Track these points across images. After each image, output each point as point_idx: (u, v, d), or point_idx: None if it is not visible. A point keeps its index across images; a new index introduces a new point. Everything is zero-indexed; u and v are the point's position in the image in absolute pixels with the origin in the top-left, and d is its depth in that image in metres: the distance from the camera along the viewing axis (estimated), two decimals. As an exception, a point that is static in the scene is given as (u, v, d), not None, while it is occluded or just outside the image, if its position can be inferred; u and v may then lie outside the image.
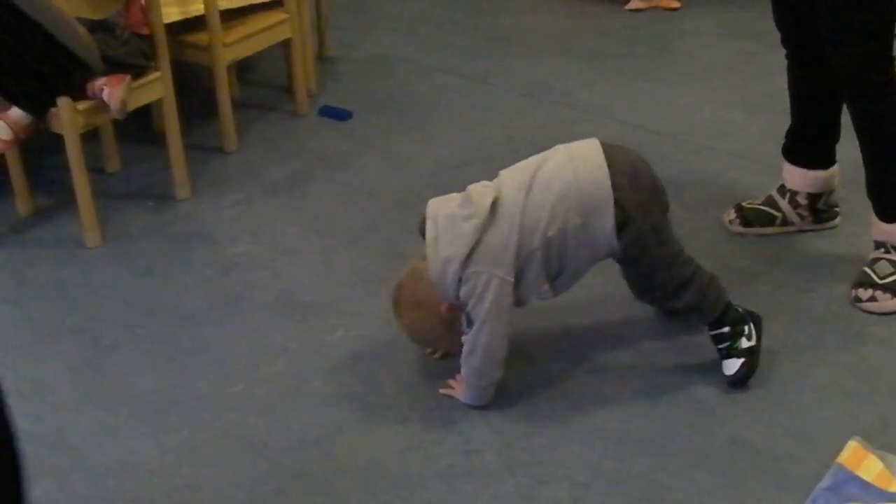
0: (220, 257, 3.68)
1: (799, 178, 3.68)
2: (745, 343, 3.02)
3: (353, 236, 3.78)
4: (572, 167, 2.90)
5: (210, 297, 3.47)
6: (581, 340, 3.25)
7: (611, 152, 2.93)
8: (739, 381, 3.02)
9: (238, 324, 3.35)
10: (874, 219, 3.45)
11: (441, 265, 2.86)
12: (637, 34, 5.53)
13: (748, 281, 3.43)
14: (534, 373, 3.11)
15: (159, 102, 3.92)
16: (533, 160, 2.99)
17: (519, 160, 3.05)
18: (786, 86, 3.63)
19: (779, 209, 3.72)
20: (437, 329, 3.04)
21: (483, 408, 2.97)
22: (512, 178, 2.96)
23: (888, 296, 3.36)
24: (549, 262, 2.90)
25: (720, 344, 3.04)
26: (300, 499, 2.73)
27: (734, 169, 4.05)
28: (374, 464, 2.81)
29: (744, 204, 3.76)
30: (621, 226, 2.87)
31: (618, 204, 2.85)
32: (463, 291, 2.86)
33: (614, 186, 2.85)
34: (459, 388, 3.02)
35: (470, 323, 2.89)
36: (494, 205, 2.87)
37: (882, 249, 3.45)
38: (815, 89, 3.55)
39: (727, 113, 4.61)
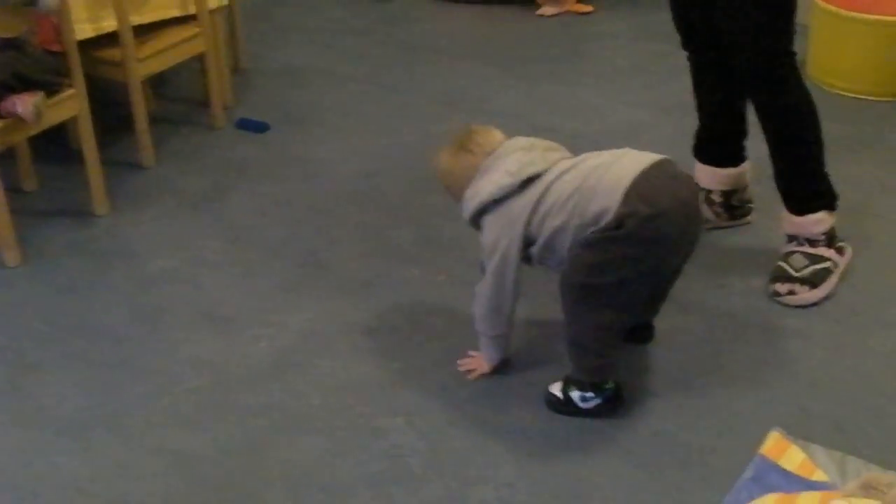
0: (141, 272, 3.67)
1: (710, 177, 3.74)
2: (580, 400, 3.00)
3: (273, 247, 3.79)
4: (600, 173, 2.84)
5: (132, 313, 3.46)
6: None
7: (655, 177, 2.82)
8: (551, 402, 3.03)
9: (161, 338, 3.35)
10: (784, 213, 3.51)
11: (472, 189, 2.99)
12: (550, 38, 5.59)
13: (665, 278, 3.48)
14: (456, 375, 3.14)
15: (74, 119, 3.89)
16: (591, 153, 2.97)
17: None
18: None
19: None
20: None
21: (408, 413, 2.99)
22: (563, 159, 2.98)
23: (806, 288, 3.42)
24: (549, 245, 2.91)
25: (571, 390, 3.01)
26: (229, 510, 2.75)
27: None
28: (302, 473, 2.81)
29: None
30: (589, 244, 2.84)
31: (614, 224, 2.78)
32: (482, 235, 3.00)
33: (619, 213, 2.76)
34: (477, 357, 3.16)
35: (483, 270, 3.02)
36: (531, 179, 2.90)
37: (795, 242, 3.52)
38: (718, 89, 3.62)
39: (640, 114, 4.68)
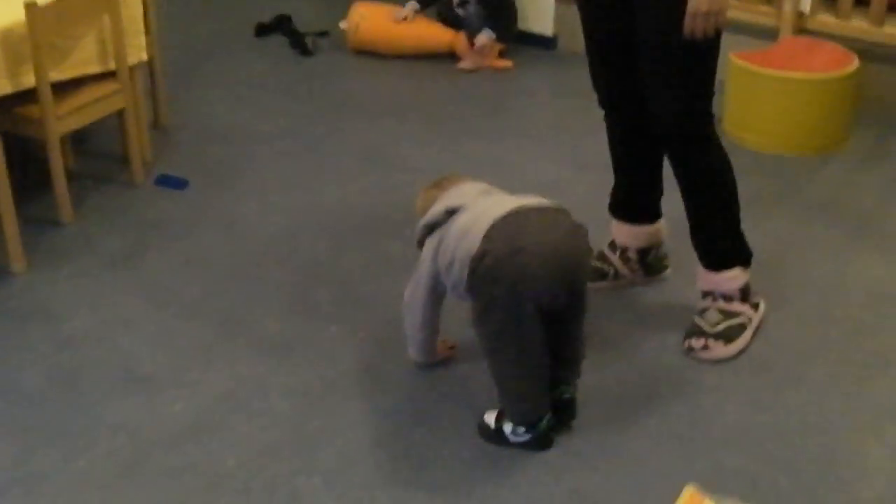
0: (57, 332, 3.63)
1: (626, 234, 3.79)
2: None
3: (191, 306, 3.78)
4: (481, 214, 3.01)
5: (48, 374, 3.43)
6: (421, 401, 3.30)
7: (524, 218, 2.98)
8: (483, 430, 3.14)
9: (77, 400, 3.32)
10: (700, 269, 3.56)
11: (424, 214, 3.22)
12: (470, 95, 5.63)
13: (582, 335, 3.51)
14: (375, 435, 3.15)
15: (-9, 176, 3.87)
16: (502, 197, 3.15)
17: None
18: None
19: (610, 264, 3.81)
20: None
21: (326, 472, 2.99)
22: (473, 196, 3.17)
23: (720, 343, 3.47)
24: (449, 278, 3.08)
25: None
26: (144, 574, 2.72)
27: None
28: (218, 535, 2.81)
29: None
30: (471, 286, 2.97)
31: (478, 264, 2.92)
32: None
33: (479, 251, 2.91)
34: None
35: None
36: (448, 212, 3.12)
37: (710, 298, 3.56)
38: (634, 148, 3.66)
39: (558, 170, 4.72)
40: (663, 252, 3.86)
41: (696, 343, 3.50)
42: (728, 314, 3.53)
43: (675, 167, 3.44)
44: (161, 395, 3.33)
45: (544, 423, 3.05)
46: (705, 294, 3.59)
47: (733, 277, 3.53)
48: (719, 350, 3.48)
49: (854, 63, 4.90)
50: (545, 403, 3.05)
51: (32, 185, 4.42)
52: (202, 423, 3.21)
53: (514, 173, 4.65)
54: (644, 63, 3.31)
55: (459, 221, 3.05)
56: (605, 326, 3.32)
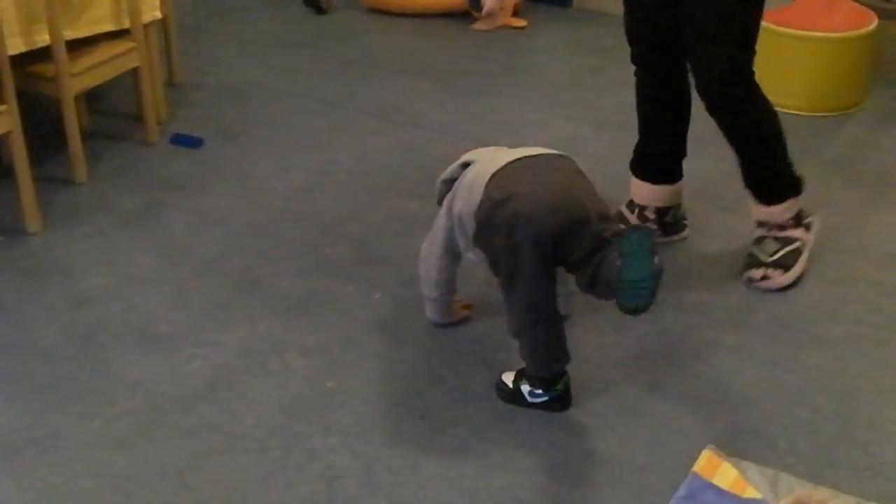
0: (73, 291, 3.63)
1: (647, 193, 3.77)
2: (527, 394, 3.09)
3: (206, 265, 3.77)
4: (488, 165, 3.01)
5: (65, 332, 3.43)
6: (437, 361, 3.28)
7: (522, 167, 2.99)
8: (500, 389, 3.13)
9: (94, 358, 3.31)
10: (752, 203, 3.61)
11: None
12: (486, 53, 5.60)
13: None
14: (391, 395, 3.14)
15: (6, 136, 3.84)
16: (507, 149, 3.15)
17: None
18: (632, 100, 3.70)
19: (628, 223, 3.79)
20: None
21: (342, 433, 2.98)
22: (489, 152, 3.16)
23: (779, 272, 3.54)
24: (462, 233, 3.08)
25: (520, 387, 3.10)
26: (162, 533, 2.72)
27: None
28: (235, 493, 2.79)
29: None
30: (475, 238, 3.00)
31: (478, 214, 2.94)
32: None
33: (482, 200, 2.93)
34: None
35: None
36: (462, 165, 3.16)
37: (765, 228, 3.62)
38: (664, 107, 3.66)
39: (576, 128, 4.70)
40: (682, 212, 3.84)
41: (756, 274, 3.57)
42: (784, 241, 3.59)
43: (722, 118, 3.45)
44: (177, 353, 3.32)
45: (561, 383, 3.04)
46: (760, 224, 3.64)
47: (787, 209, 3.59)
48: (778, 278, 3.55)
49: (873, 22, 4.86)
50: (562, 358, 3.03)
51: (47, 145, 4.41)
52: (219, 381, 3.20)
53: (530, 131, 4.63)
54: (690, 16, 3.31)
55: (468, 176, 3.05)
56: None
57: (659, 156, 3.76)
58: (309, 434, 2.99)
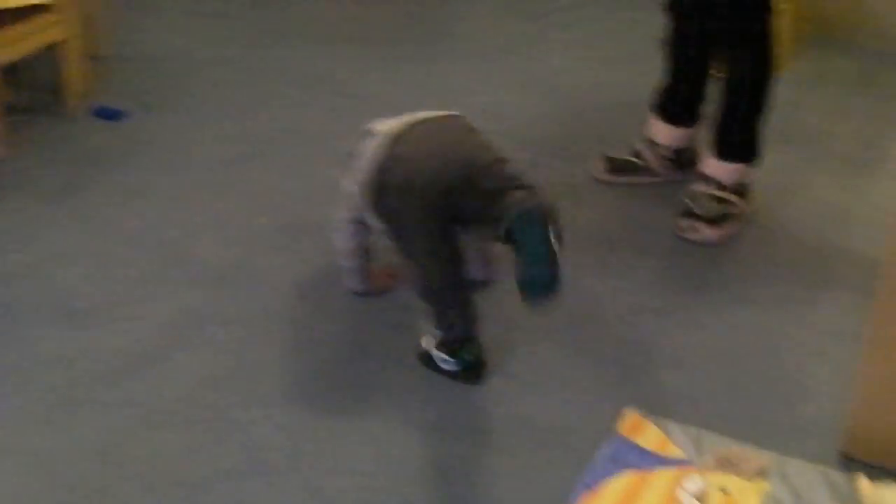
0: (-7, 267, 3.58)
1: (667, 134, 3.94)
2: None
3: (130, 239, 3.72)
4: (376, 135, 3.07)
5: (-17, 309, 3.39)
6: (361, 330, 3.27)
7: (406, 135, 3.03)
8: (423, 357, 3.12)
9: (14, 335, 3.26)
10: (708, 157, 3.73)
11: None
12: (413, 20, 5.58)
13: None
14: (315, 365, 3.12)
15: (-78, 111, 3.79)
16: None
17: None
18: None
19: (644, 160, 3.98)
20: None
21: (266, 405, 2.96)
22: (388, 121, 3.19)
23: (709, 227, 3.64)
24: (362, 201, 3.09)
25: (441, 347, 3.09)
26: (84, 510, 2.69)
27: (508, 150, 4.09)
28: (157, 468, 2.77)
29: (611, 154, 4.03)
30: (372, 205, 3.03)
31: (371, 182, 3.00)
32: None
33: (373, 168, 2.99)
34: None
35: None
36: (361, 134, 3.19)
37: (709, 184, 3.72)
38: (693, 52, 3.80)
39: (503, 94, 4.68)
40: (696, 152, 3.98)
41: (685, 223, 3.65)
42: (722, 202, 3.66)
43: (731, 60, 3.61)
44: (98, 329, 3.28)
45: (467, 352, 3.03)
46: (705, 178, 3.72)
47: (738, 170, 3.69)
48: (706, 231, 3.62)
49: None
50: (463, 325, 3.03)
51: (-34, 120, 4.34)
52: (140, 356, 3.16)
53: (458, 98, 4.60)
54: None
55: (366, 145, 3.08)
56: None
57: (683, 99, 3.90)
58: (232, 406, 2.96)
